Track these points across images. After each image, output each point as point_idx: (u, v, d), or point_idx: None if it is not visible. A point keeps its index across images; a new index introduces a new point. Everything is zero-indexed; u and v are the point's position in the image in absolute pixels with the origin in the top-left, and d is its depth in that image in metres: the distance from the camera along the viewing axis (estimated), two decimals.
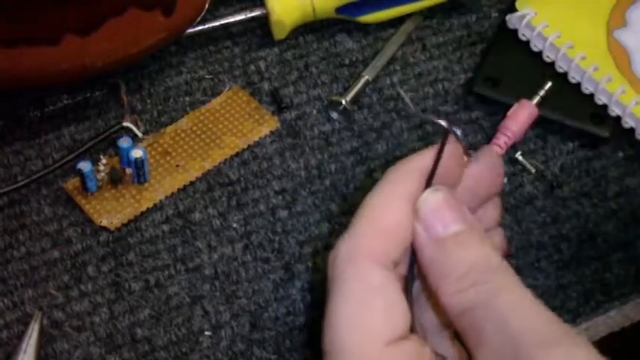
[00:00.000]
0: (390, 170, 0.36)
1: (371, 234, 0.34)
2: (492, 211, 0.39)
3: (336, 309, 0.33)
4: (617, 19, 0.59)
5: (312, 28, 0.61)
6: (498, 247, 0.39)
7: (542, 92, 0.56)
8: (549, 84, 0.56)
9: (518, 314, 0.32)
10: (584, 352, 0.31)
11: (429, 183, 0.35)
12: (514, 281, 0.33)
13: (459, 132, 0.36)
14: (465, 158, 0.37)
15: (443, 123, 0.35)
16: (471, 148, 0.39)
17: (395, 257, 0.34)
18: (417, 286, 0.38)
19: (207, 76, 0.58)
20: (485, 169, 0.37)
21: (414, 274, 0.36)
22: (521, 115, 0.55)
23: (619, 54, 0.57)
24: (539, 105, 0.56)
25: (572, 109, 0.56)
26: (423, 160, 0.36)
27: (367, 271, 0.33)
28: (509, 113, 0.55)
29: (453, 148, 0.35)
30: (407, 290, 0.35)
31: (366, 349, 0.32)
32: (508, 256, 0.51)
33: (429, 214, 0.35)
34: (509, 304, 0.32)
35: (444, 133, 0.35)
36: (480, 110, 0.57)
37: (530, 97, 0.56)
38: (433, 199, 0.35)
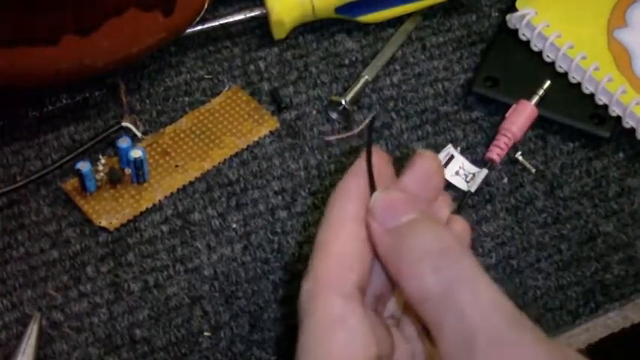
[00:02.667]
0: (329, 199, 0.36)
1: (326, 266, 0.34)
2: (443, 207, 0.39)
3: (300, 344, 0.33)
4: (617, 19, 0.59)
5: (312, 28, 0.61)
6: (461, 236, 0.39)
7: (541, 92, 0.56)
8: (548, 83, 0.56)
9: (476, 308, 0.31)
10: (533, 352, 0.31)
11: (372, 188, 0.36)
12: (475, 271, 0.33)
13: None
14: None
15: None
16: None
17: (356, 281, 0.34)
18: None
19: (206, 76, 0.58)
20: (421, 173, 0.38)
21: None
22: (520, 116, 0.55)
23: (619, 54, 0.57)
24: (538, 105, 0.56)
25: (573, 109, 0.56)
26: (355, 175, 0.36)
27: (326, 304, 0.33)
28: (507, 114, 0.55)
29: (374, 151, 0.36)
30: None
31: None
32: (507, 256, 0.51)
33: (383, 210, 0.35)
34: (468, 297, 0.32)
35: (369, 126, 0.36)
36: (479, 110, 0.57)
37: (530, 97, 0.56)
38: (384, 195, 0.35)
